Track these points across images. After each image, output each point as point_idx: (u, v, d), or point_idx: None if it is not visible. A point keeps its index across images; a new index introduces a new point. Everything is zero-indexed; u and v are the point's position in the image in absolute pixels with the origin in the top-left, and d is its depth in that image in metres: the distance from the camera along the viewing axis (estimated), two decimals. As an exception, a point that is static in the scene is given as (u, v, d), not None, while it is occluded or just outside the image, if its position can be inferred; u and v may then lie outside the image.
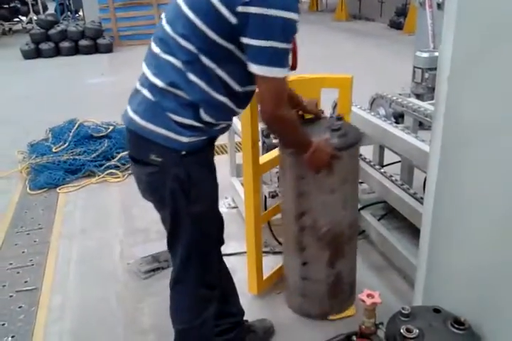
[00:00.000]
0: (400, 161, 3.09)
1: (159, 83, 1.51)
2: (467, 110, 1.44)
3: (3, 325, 2.35)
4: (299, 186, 2.01)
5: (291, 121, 1.64)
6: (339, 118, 1.99)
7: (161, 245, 2.77)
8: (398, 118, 3.64)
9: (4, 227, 3.26)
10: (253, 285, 2.42)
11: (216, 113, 1.56)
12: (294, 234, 2.14)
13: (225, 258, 2.76)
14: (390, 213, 2.92)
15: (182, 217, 1.62)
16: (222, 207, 3.42)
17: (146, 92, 1.55)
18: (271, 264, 2.60)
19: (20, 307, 2.47)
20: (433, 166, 1.64)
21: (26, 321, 2.37)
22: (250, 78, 1.52)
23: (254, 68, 1.46)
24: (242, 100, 1.64)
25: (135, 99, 1.59)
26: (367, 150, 3.05)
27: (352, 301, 2.29)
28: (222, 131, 1.66)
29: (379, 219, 2.87)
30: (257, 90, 1.60)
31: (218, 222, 1.81)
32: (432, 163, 1.64)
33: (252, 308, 2.34)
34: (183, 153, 1.54)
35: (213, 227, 1.76)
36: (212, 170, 1.69)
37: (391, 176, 2.64)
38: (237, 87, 1.56)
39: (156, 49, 1.54)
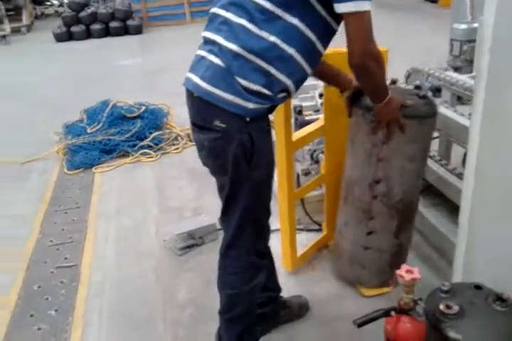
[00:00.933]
0: (437, 137, 3.01)
1: (233, 47, 1.52)
2: (511, 82, 1.37)
3: (47, 299, 2.44)
4: (379, 152, 1.97)
5: (381, 57, 1.64)
6: (418, 86, 1.95)
7: (195, 222, 2.82)
8: (435, 92, 3.53)
9: (44, 206, 3.36)
10: (287, 261, 2.43)
11: (290, 70, 1.57)
12: (363, 203, 2.09)
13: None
14: (427, 190, 2.85)
15: (242, 182, 1.64)
16: (255, 186, 3.43)
17: (214, 58, 1.56)
18: (304, 242, 2.60)
19: (61, 282, 2.55)
20: (474, 141, 1.59)
21: (68, 295, 2.45)
22: (328, 32, 1.61)
23: (345, 6, 1.47)
24: (313, 59, 1.65)
25: (201, 66, 1.60)
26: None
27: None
28: (284, 99, 1.68)
29: (415, 196, 2.82)
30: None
31: (272, 190, 1.82)
32: (473, 137, 1.59)
33: (286, 284, 2.35)
34: (248, 119, 1.56)
35: (269, 195, 1.78)
36: (271, 138, 1.72)
37: (429, 152, 2.57)
38: (317, 44, 1.59)
39: (227, 14, 1.55)
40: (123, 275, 2.58)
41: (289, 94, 1.66)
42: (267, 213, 1.82)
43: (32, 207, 3.37)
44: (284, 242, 2.40)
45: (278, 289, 2.12)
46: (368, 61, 1.58)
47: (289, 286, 2.34)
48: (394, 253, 2.16)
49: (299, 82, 1.65)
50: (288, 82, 1.59)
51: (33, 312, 2.35)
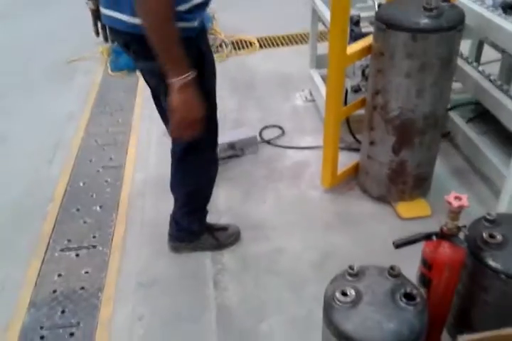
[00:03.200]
0: (500, 59, 2.80)
1: None
2: None
3: (92, 195, 2.56)
4: (377, 63, 2.03)
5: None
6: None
7: (236, 134, 2.82)
8: (507, 9, 3.22)
9: (89, 107, 3.40)
10: (326, 179, 2.43)
11: None
12: (368, 112, 2.20)
13: (298, 152, 2.80)
14: (481, 116, 2.73)
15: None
16: (298, 100, 3.35)
17: None
18: (345, 161, 2.57)
19: (106, 181, 2.65)
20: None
21: (112, 193, 2.56)
22: None
23: None
24: None
25: None
26: (464, 46, 2.77)
27: (417, 197, 2.31)
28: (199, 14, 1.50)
29: (467, 122, 2.70)
30: None
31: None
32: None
33: (322, 202, 2.39)
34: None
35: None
36: (209, 64, 1.67)
37: (489, 75, 2.41)
38: None
39: None
40: (164, 178, 2.62)
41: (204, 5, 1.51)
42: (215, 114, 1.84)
43: (78, 106, 3.41)
44: (326, 159, 2.38)
45: None
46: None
47: (325, 204, 2.37)
48: (394, 170, 2.22)
49: None
50: None
51: (79, 207, 2.48)
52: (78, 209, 2.47)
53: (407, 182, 2.26)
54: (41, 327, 1.86)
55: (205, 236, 2.13)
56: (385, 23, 1.92)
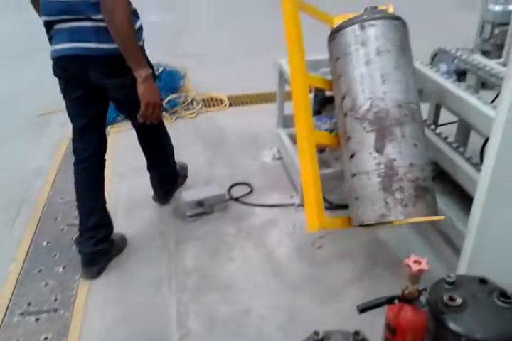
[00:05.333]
0: (456, 122, 2.96)
1: None
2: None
3: (55, 256, 2.50)
4: (336, 69, 2.11)
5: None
6: (375, 7, 2.13)
7: (206, 191, 2.83)
8: (460, 75, 3.45)
9: (57, 161, 3.39)
10: (312, 220, 1.95)
11: None
12: (341, 124, 2.07)
13: (266, 209, 2.82)
14: (439, 177, 2.83)
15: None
16: (267, 158, 3.41)
17: None
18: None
19: (71, 238, 2.58)
20: (497, 131, 1.56)
21: (76, 252, 2.49)
22: None
23: None
24: None
25: None
26: (422, 109, 2.92)
27: (424, 210, 1.83)
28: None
29: (427, 181, 2.79)
30: None
31: None
32: (496, 127, 1.56)
33: (290, 261, 2.38)
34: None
35: None
36: None
37: (446, 138, 2.53)
38: None
39: None
40: (131, 236, 2.61)
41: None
42: None
43: (46, 161, 3.40)
44: (307, 195, 2.00)
45: (112, 224, 2.48)
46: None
47: (293, 263, 2.36)
48: (383, 175, 1.85)
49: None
50: None
51: (42, 268, 2.41)
52: (40, 270, 2.39)
53: (405, 188, 1.84)
54: None
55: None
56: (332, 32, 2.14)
